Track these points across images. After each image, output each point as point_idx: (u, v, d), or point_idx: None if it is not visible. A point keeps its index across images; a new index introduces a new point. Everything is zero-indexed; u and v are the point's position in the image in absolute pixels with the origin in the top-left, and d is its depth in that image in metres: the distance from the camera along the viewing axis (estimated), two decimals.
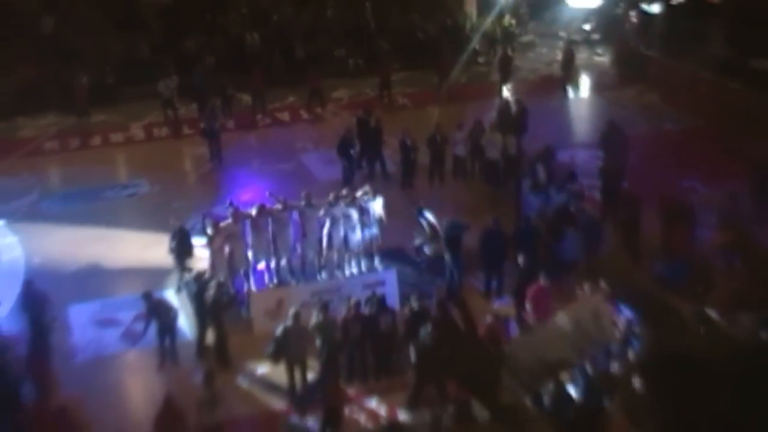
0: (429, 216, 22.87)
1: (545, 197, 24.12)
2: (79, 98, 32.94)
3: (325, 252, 22.34)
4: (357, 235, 22.31)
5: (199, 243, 22.57)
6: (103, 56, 35.66)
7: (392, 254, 23.06)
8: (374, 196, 22.71)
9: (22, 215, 26.43)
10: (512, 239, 22.08)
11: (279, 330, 18.69)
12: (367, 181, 25.70)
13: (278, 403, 18.62)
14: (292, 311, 18.90)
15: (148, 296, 19.86)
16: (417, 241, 23.00)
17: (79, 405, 17.30)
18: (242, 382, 18.97)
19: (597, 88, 36.59)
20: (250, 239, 21.63)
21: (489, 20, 39.93)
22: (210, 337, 20.03)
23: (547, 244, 22.30)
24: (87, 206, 26.76)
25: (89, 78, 33.50)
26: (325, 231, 22.11)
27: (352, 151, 27.24)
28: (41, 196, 27.78)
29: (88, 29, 36.45)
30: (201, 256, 22.25)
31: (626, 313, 18.07)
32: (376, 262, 22.67)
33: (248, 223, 21.61)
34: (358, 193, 22.70)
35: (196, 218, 23.60)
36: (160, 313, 19.69)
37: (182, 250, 22.06)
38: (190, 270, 21.84)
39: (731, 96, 31.18)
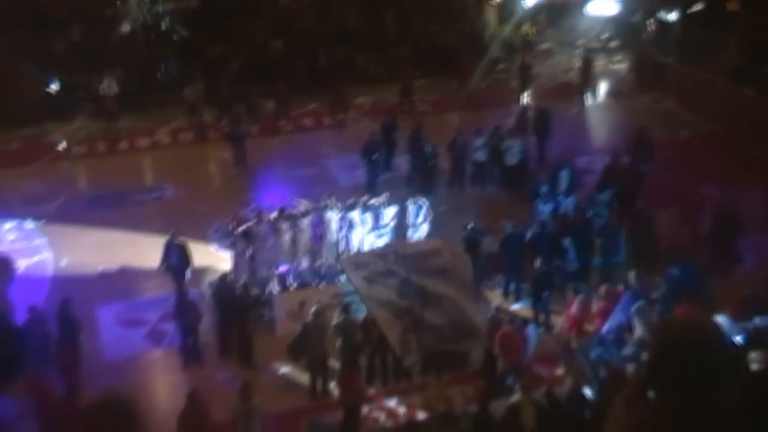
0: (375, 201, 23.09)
1: (555, 204, 24.15)
2: (107, 104, 33.17)
3: (342, 255, 22.51)
4: (376, 238, 22.46)
5: (219, 247, 22.84)
6: (130, 62, 35.87)
7: None
8: (390, 203, 22.84)
9: (51, 218, 26.61)
10: (529, 244, 22.19)
11: (299, 327, 18.91)
12: (391, 186, 25.84)
13: (300, 402, 18.79)
14: (312, 309, 19.10)
15: (181, 293, 20.13)
16: None
17: None
18: (265, 382, 19.10)
19: (614, 94, 36.59)
20: (271, 242, 21.80)
21: (508, 28, 40.01)
22: (234, 337, 20.22)
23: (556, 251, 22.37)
24: (114, 210, 26.93)
25: (117, 83, 33.71)
26: (342, 234, 22.29)
27: (374, 156, 27.29)
28: (69, 199, 27.95)
29: (115, 36, 36.72)
30: (224, 258, 22.46)
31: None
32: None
33: (270, 226, 21.80)
34: (375, 200, 22.85)
35: (219, 222, 23.73)
36: (185, 313, 19.87)
37: (182, 265, 21.92)
38: (185, 286, 21.86)
39: (746, 102, 31.15)
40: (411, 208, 22.98)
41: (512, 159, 27.34)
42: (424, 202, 23.31)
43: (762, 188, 24.63)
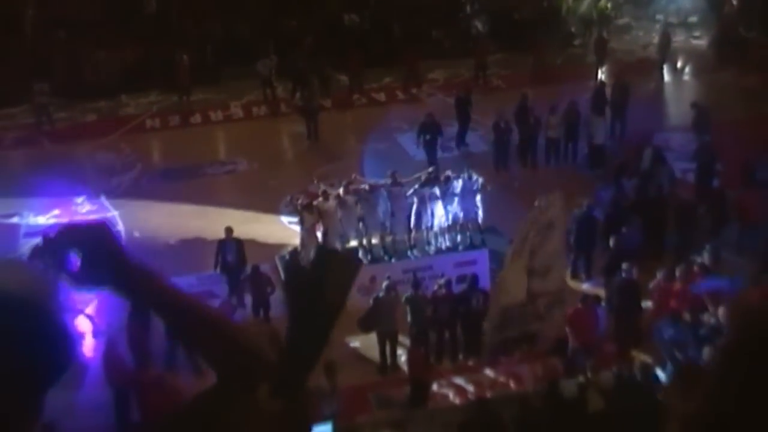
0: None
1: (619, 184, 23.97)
2: (181, 77, 33.46)
3: (414, 231, 22.47)
4: (445, 215, 22.35)
5: (290, 221, 22.95)
6: (204, 36, 36.15)
7: (487, 234, 23.06)
8: (456, 179, 22.61)
9: (124, 190, 27.01)
10: (604, 222, 22.04)
11: (370, 301, 19.00)
12: (464, 161, 25.76)
13: (370, 377, 18.89)
14: (384, 284, 19.17)
15: (254, 269, 20.26)
16: None
17: (174, 376, 17.74)
18: (335, 356, 19.17)
19: (694, 71, 36.06)
20: (340, 216, 21.80)
21: (585, 2, 39.55)
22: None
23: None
24: (186, 182, 27.24)
25: (190, 57, 33.96)
26: (414, 210, 22.21)
27: (427, 137, 26.99)
28: (142, 172, 28.33)
29: (189, 10, 37.00)
30: (296, 231, 22.58)
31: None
32: (468, 241, 22.71)
33: (337, 201, 21.80)
34: (443, 176, 22.67)
35: (290, 195, 23.83)
36: (258, 286, 20.01)
37: (239, 263, 21.35)
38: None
39: None
40: (467, 184, 22.67)
41: (590, 136, 27.13)
42: (478, 178, 22.97)
43: None
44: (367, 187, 22.29)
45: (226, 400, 2.71)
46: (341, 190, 22.03)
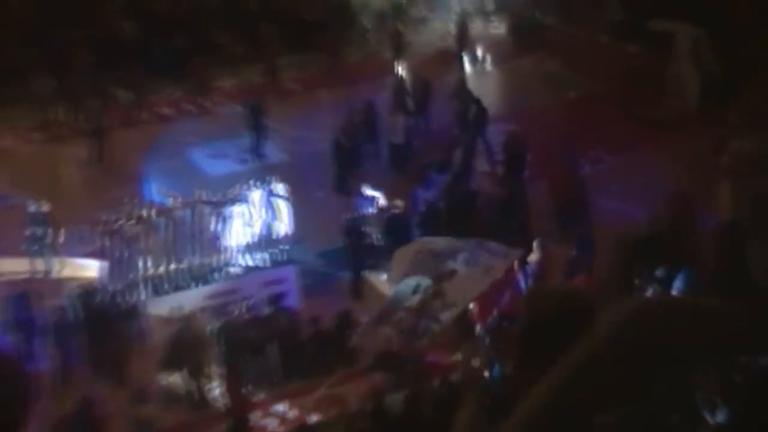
0: None
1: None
2: None
3: (219, 251, 22.09)
4: (250, 232, 22.07)
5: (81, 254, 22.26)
6: None
7: (294, 249, 22.88)
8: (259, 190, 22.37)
9: None
10: (417, 225, 22.25)
11: (171, 336, 18.59)
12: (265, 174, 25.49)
13: (178, 416, 18.49)
14: (184, 314, 18.84)
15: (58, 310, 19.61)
16: None
17: None
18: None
19: (495, 59, 36.81)
20: (143, 242, 21.16)
21: None
22: (103, 351, 19.76)
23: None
24: None
25: None
26: (218, 229, 21.84)
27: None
28: None
29: None
30: (87, 266, 21.89)
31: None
32: (274, 258, 22.46)
33: (141, 224, 21.15)
34: (245, 189, 22.34)
35: (79, 227, 23.06)
36: (59, 331, 19.32)
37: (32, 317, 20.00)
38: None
39: (630, 60, 31.63)
40: (268, 197, 22.49)
41: (394, 136, 27.24)
42: (279, 190, 22.82)
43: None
44: (173, 205, 21.66)
45: None
46: (144, 212, 21.27)
